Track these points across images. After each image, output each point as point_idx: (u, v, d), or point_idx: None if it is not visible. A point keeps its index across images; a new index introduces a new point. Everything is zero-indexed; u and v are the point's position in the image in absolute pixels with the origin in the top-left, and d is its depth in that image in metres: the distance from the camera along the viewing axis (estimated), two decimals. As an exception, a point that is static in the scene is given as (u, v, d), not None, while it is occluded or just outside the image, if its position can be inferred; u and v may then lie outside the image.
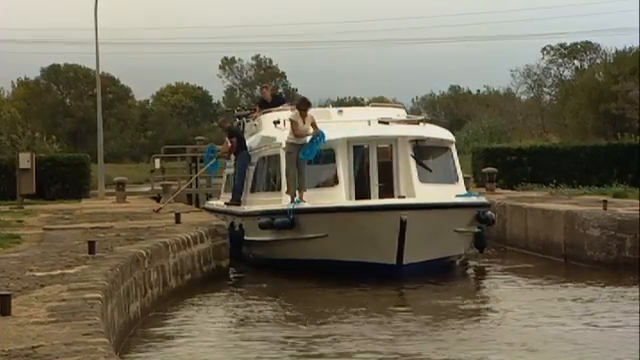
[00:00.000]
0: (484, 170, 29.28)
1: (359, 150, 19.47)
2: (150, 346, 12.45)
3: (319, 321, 13.93)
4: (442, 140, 20.25)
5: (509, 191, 28.99)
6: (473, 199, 19.43)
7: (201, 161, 35.47)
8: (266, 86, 27.84)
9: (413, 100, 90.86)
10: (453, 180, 19.78)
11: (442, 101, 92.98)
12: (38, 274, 11.67)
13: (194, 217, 21.57)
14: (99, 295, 9.95)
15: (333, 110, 22.08)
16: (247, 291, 17.93)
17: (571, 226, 20.23)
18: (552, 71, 78.99)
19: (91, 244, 13.81)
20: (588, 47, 77.13)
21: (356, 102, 75.38)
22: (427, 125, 20.88)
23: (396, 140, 19.38)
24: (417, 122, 20.85)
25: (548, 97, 79.47)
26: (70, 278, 11.24)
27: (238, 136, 22.50)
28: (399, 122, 20.52)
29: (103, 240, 15.58)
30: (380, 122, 19.97)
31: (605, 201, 20.79)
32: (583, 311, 14.59)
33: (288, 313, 14.95)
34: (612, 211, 19.87)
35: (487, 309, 15.19)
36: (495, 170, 28.94)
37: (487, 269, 20.08)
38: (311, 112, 19.70)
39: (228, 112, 28.94)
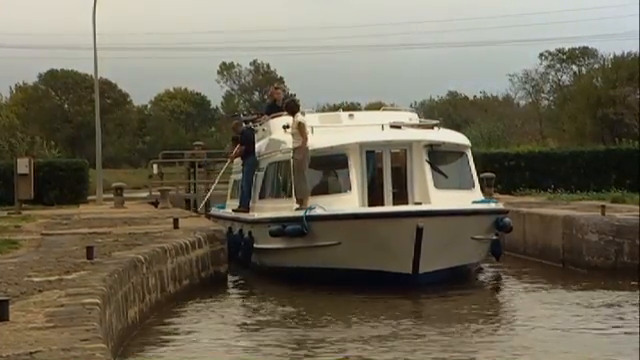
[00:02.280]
0: (482, 175, 29.07)
1: (372, 155, 18.89)
2: (148, 351, 12.44)
3: (320, 326, 13.91)
4: (458, 145, 19.67)
5: (507, 196, 28.95)
6: (491, 205, 18.86)
7: (200, 166, 35.56)
8: (278, 87, 27.45)
9: (411, 105, 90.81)
10: (469, 186, 19.29)
11: (440, 106, 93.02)
12: (36, 279, 11.66)
13: (192, 222, 21.54)
14: (97, 300, 9.94)
15: (344, 114, 21.47)
16: (246, 296, 17.93)
17: (569, 231, 20.23)
18: (550, 76, 79.18)
19: (89, 249, 13.79)
20: (586, 52, 77.31)
21: (353, 107, 75.53)
22: (442, 129, 20.29)
23: (410, 145, 18.83)
24: (431, 126, 20.29)
25: (546, 102, 79.66)
26: (68, 283, 11.22)
27: (250, 141, 21.88)
28: (413, 126, 19.99)
29: (101, 245, 15.55)
30: (392, 126, 19.46)
31: (603, 206, 20.80)
32: (584, 315, 14.63)
33: (288, 318, 14.87)
34: (610, 216, 19.88)
35: (490, 314, 15.17)
36: (493, 175, 28.89)
37: (489, 275, 19.95)
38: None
39: (236, 116, 28.35)
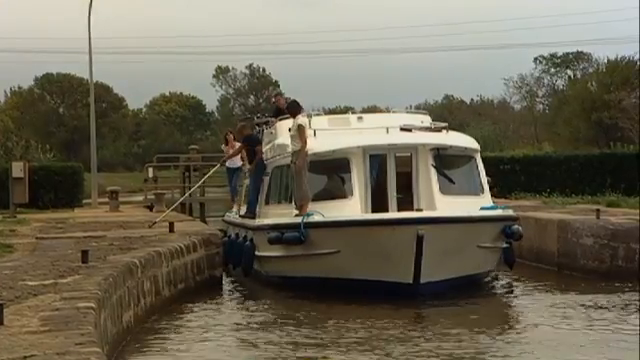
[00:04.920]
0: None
1: (376, 159, 18.17)
2: (143, 355, 12.43)
3: (313, 328, 13.92)
4: (466, 148, 18.94)
5: (502, 200, 28.94)
6: (499, 212, 18.01)
7: (194, 170, 35.55)
8: (279, 93, 27.33)
9: (407, 109, 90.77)
10: (478, 191, 18.66)
11: (436, 110, 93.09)
12: (31, 283, 11.65)
13: (187, 226, 21.52)
14: (92, 304, 9.93)
15: (353, 117, 20.62)
16: (241, 300, 17.90)
17: (564, 235, 20.26)
18: (545, 80, 79.35)
19: (84, 253, 13.78)
20: (580, 57, 77.48)
21: (347, 111, 75.51)
22: (450, 132, 19.29)
23: (416, 148, 18.11)
24: (440, 129, 19.29)
25: (541, 106, 79.78)
26: (63, 287, 11.22)
27: (257, 144, 21.21)
28: (422, 129, 19.12)
29: (96, 249, 15.54)
30: (402, 129, 18.79)
31: (598, 210, 20.83)
32: (583, 317, 14.69)
33: (283, 321, 14.89)
34: (605, 220, 19.90)
35: (487, 317, 15.16)
36: (488, 179, 28.86)
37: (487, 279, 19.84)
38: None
39: (248, 119, 28.05)
